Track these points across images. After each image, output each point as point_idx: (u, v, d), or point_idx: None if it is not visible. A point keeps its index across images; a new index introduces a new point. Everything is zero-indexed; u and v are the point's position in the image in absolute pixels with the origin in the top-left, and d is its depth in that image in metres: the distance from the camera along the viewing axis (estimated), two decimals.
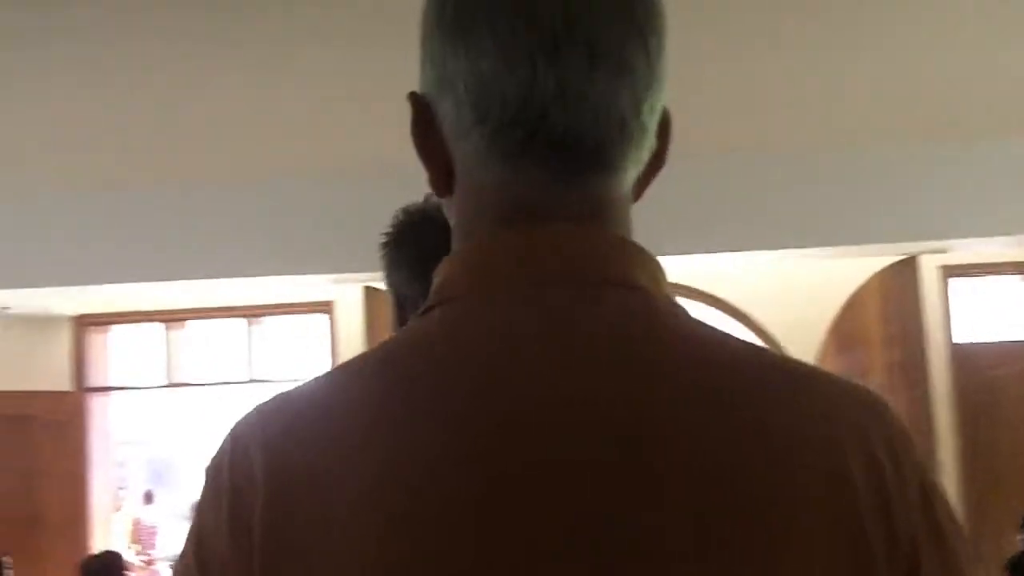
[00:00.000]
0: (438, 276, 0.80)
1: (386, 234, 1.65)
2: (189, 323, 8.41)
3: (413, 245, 1.59)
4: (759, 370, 0.75)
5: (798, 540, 0.69)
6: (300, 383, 0.77)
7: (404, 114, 0.82)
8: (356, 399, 0.74)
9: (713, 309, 7.80)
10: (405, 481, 0.68)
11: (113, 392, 8.61)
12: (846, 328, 7.25)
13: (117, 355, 8.64)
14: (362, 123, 4.86)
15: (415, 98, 0.82)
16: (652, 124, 0.80)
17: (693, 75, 4.61)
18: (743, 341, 0.78)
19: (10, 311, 7.69)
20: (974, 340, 7.85)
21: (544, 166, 0.77)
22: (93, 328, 8.40)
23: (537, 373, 0.72)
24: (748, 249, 5.80)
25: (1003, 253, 6.98)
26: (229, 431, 0.76)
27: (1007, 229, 5.73)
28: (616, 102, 0.76)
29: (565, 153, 0.77)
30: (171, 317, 8.23)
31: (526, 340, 0.73)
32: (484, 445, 0.69)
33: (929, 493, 0.75)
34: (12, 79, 4.46)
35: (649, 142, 0.81)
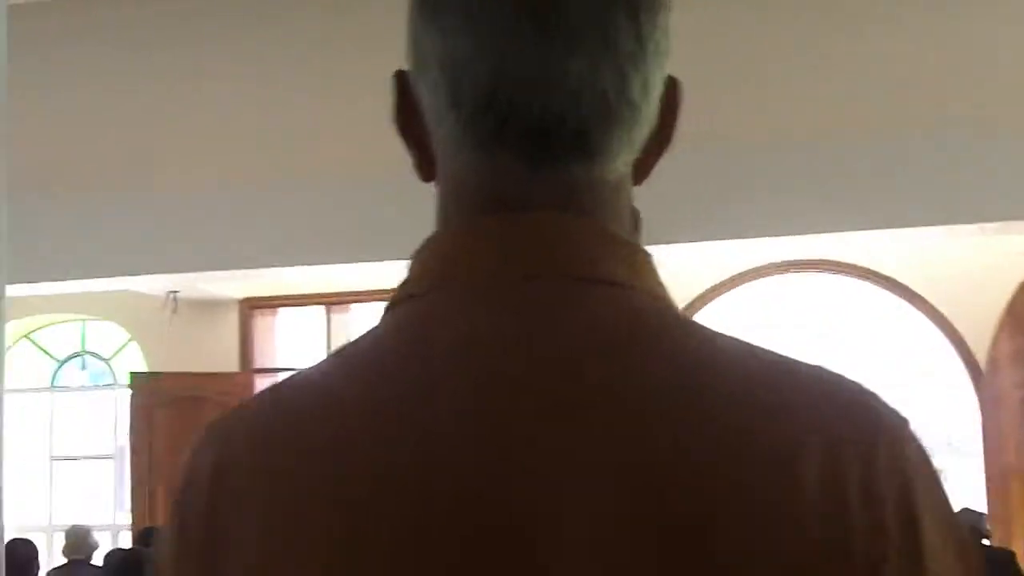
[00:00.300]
0: (410, 267, 0.76)
1: None
2: (352, 306, 8.54)
3: None
4: (729, 377, 0.69)
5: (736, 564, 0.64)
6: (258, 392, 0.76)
7: None
8: (298, 412, 0.71)
9: (881, 288, 7.59)
10: (333, 501, 0.66)
11: (279, 373, 8.81)
12: (1022, 308, 6.95)
13: (282, 337, 8.83)
14: None
15: (398, 78, 0.78)
16: (648, 102, 0.75)
17: (870, 51, 4.47)
18: (732, 342, 0.72)
19: (180, 295, 7.96)
20: None
21: (520, 152, 0.73)
22: (259, 311, 8.61)
23: (492, 381, 0.68)
24: (919, 225, 5.59)
25: None
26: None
27: None
28: (597, 82, 0.72)
29: (542, 138, 0.72)
30: (334, 300, 8.37)
31: (487, 343, 0.70)
32: (416, 466, 0.66)
33: (915, 511, 0.67)
34: (182, 81, 4.58)
35: (646, 121, 0.76)
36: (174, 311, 8.03)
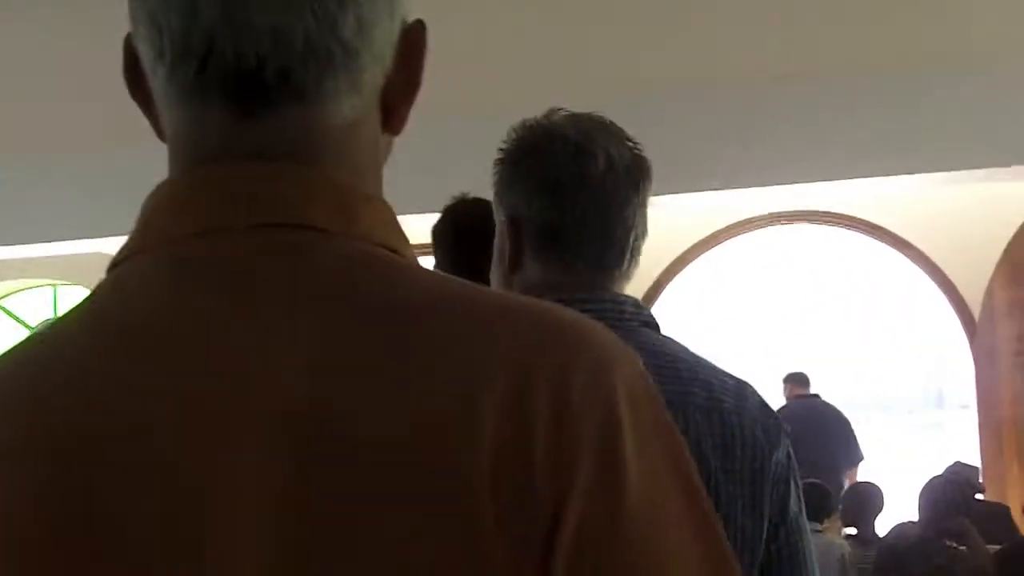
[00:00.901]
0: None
1: (502, 150, 1.52)
2: None
3: (532, 162, 1.47)
4: (422, 307, 0.69)
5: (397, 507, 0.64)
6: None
7: None
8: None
9: (874, 239, 7.47)
10: None
11: None
12: (1019, 257, 6.84)
13: None
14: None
15: (125, 41, 0.77)
16: (369, 43, 0.74)
17: None
18: (441, 284, 0.72)
19: None
20: None
21: (222, 100, 0.72)
22: None
23: (133, 354, 0.69)
24: (911, 172, 5.40)
25: None
26: None
27: None
28: (296, 23, 0.71)
29: (243, 84, 0.71)
30: None
31: (141, 312, 0.70)
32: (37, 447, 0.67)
33: (616, 445, 0.65)
34: None
35: (372, 64, 0.74)
36: None
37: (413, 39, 0.77)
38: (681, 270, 7.75)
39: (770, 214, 7.46)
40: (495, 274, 1.51)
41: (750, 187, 5.58)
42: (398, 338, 0.67)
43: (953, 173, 5.48)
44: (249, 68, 0.71)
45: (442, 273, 0.72)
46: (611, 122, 1.47)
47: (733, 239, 7.75)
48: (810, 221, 7.58)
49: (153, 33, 0.72)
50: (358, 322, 0.68)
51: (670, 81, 5.11)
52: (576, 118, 1.46)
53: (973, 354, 7.38)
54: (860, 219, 7.38)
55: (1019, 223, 6.78)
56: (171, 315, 0.69)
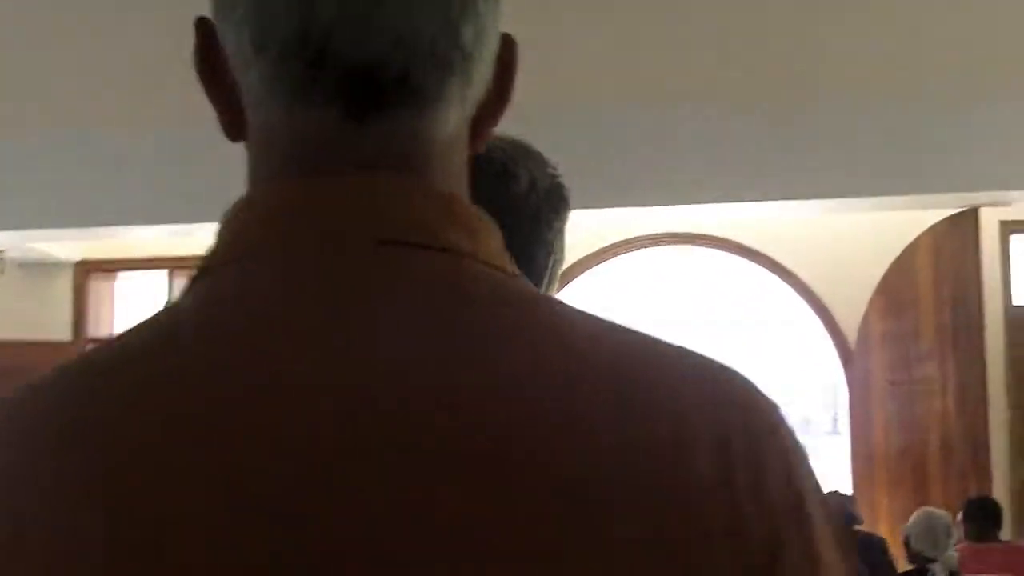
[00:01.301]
0: (217, 234, 0.70)
1: None
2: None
3: None
4: (601, 352, 0.64)
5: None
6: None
7: None
8: (40, 408, 0.64)
9: (753, 264, 7.53)
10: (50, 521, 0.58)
11: None
12: (895, 287, 6.96)
13: (122, 304, 8.38)
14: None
15: (199, 24, 0.73)
16: (481, 54, 0.70)
17: (740, 16, 4.24)
18: (593, 318, 0.67)
19: (6, 255, 7.49)
20: None
21: (336, 100, 0.67)
22: (97, 274, 8.15)
23: (258, 363, 0.61)
24: (791, 198, 5.41)
25: None
26: None
27: None
28: (420, 24, 0.67)
29: (362, 84, 0.67)
30: (179, 264, 7.90)
31: (260, 325, 0.63)
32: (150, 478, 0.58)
33: (801, 499, 0.64)
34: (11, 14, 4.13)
35: (480, 77, 0.71)
36: (0, 272, 7.53)
37: (509, 54, 0.74)
38: (564, 287, 7.68)
39: (654, 234, 7.46)
40: None
41: (635, 207, 5.52)
42: (585, 382, 0.62)
43: (832, 201, 5.51)
44: (365, 67, 0.66)
45: (590, 313, 0.68)
46: (532, 147, 1.47)
47: (617, 257, 7.74)
48: (692, 243, 7.60)
49: (258, 22, 0.67)
50: (525, 365, 0.62)
51: (558, 99, 5.02)
52: (499, 139, 1.43)
53: (848, 382, 7.45)
54: (741, 244, 7.44)
55: (896, 253, 6.85)
56: (275, 351, 0.62)
